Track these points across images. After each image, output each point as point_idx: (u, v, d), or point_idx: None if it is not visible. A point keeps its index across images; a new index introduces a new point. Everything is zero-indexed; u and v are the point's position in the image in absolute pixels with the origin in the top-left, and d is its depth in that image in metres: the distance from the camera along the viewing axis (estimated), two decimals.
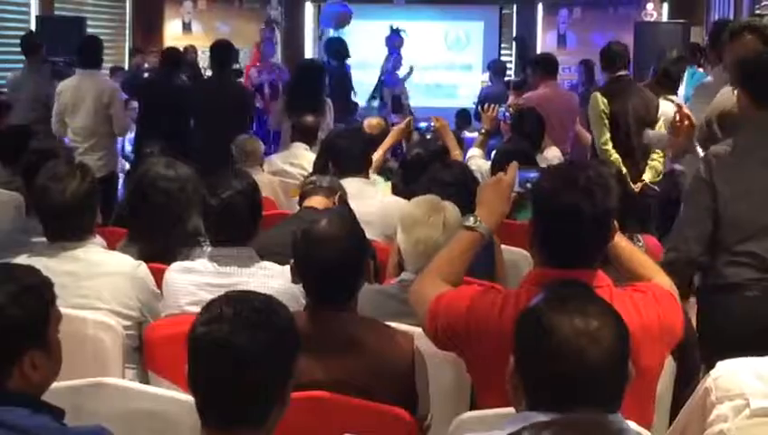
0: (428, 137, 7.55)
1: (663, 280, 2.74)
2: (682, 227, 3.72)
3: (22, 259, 3.28)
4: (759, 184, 3.56)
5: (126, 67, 13.21)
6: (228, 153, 6.63)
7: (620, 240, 2.73)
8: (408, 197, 4.40)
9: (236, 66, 10.99)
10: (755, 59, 3.87)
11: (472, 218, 2.79)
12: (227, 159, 6.47)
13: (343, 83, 9.89)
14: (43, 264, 3.23)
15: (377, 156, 5.91)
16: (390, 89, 11.86)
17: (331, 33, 13.02)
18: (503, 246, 4.20)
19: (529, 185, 2.70)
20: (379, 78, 12.46)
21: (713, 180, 3.59)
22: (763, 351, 3.04)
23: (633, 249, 2.86)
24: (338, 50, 10.15)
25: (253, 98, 9.32)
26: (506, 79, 12.13)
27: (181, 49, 11.52)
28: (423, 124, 7.31)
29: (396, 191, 5.40)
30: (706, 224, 3.60)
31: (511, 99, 9.37)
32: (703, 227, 3.61)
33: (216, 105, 7.79)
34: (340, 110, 8.46)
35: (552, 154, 6.42)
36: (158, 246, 3.81)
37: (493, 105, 6.72)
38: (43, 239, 3.53)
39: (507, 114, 6.82)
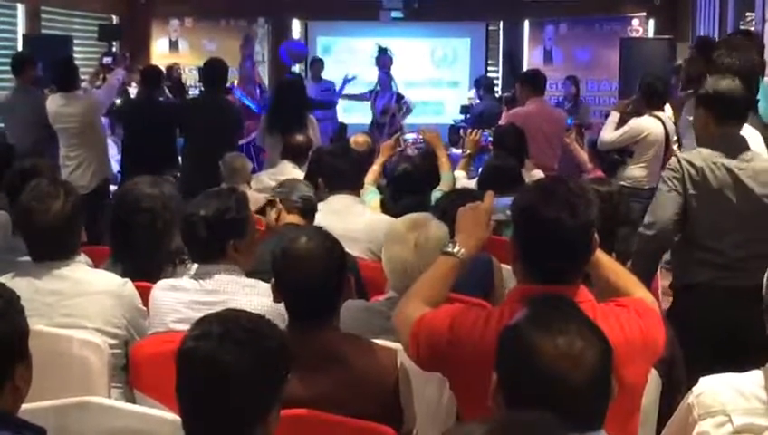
0: (416, 151, 7.60)
1: (644, 294, 2.71)
2: (656, 210, 4.02)
3: (7, 278, 3.27)
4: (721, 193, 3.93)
5: None
6: (218, 170, 6.65)
7: (600, 254, 2.70)
8: (396, 214, 4.40)
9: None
10: (717, 84, 4.12)
11: (450, 244, 2.79)
12: (217, 177, 6.48)
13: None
14: (29, 283, 3.24)
15: (373, 169, 6.03)
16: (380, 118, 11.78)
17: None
18: None
19: (508, 212, 2.69)
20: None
21: (685, 184, 3.96)
22: (726, 350, 3.26)
23: (613, 263, 2.84)
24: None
25: (242, 116, 9.33)
26: (497, 95, 12.13)
27: (164, 67, 11.52)
28: (410, 136, 7.31)
29: (385, 208, 5.41)
30: (677, 210, 3.96)
31: (503, 115, 9.39)
32: (677, 209, 3.96)
33: (208, 123, 7.80)
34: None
35: (537, 174, 6.43)
36: (144, 264, 3.80)
37: (476, 130, 6.79)
38: (29, 258, 3.53)
39: (490, 139, 6.88)
